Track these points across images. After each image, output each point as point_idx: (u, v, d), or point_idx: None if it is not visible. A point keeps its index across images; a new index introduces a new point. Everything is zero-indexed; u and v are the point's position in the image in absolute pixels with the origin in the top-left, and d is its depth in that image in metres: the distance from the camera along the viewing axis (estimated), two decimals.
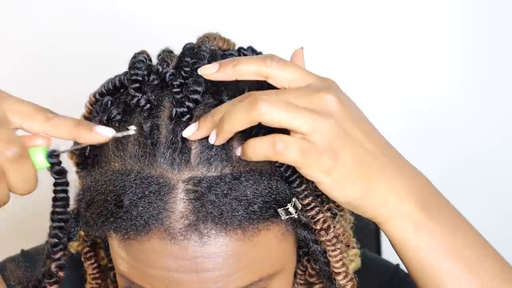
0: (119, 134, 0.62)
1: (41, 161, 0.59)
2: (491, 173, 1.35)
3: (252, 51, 0.74)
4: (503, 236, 1.36)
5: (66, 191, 0.62)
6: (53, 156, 0.60)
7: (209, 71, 0.62)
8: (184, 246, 0.61)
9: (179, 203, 0.61)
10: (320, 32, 1.30)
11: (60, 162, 0.61)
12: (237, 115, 0.58)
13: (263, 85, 0.63)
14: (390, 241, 0.65)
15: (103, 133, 0.60)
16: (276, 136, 0.58)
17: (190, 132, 0.62)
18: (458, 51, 1.29)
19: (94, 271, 0.79)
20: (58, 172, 0.61)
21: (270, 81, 0.62)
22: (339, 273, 0.68)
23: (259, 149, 0.59)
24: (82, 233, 0.78)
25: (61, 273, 0.64)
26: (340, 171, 0.58)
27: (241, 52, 0.73)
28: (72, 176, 0.62)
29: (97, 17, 1.34)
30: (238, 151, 0.62)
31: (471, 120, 1.33)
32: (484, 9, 1.27)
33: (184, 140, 0.62)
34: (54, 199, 0.62)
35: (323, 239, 0.66)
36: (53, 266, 0.63)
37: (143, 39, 1.03)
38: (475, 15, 1.27)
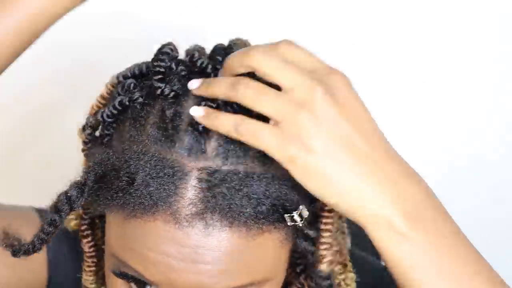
0: None
1: None
2: (491, 174, 1.34)
3: None
4: (503, 236, 1.36)
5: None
6: None
7: (191, 86, 0.64)
8: (188, 233, 0.62)
9: (190, 190, 0.62)
10: (313, 32, 1.27)
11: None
12: (231, 58, 0.62)
13: None
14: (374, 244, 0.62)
15: None
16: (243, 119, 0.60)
17: (196, 84, 0.64)
18: (454, 51, 1.27)
19: (91, 250, 0.79)
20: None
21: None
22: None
23: (218, 90, 0.62)
24: (80, 210, 0.78)
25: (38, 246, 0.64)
26: (308, 160, 0.58)
27: None
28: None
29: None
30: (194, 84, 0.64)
31: (469, 120, 1.31)
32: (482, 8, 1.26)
33: (205, 130, 0.63)
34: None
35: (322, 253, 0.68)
36: (36, 238, 0.64)
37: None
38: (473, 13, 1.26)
